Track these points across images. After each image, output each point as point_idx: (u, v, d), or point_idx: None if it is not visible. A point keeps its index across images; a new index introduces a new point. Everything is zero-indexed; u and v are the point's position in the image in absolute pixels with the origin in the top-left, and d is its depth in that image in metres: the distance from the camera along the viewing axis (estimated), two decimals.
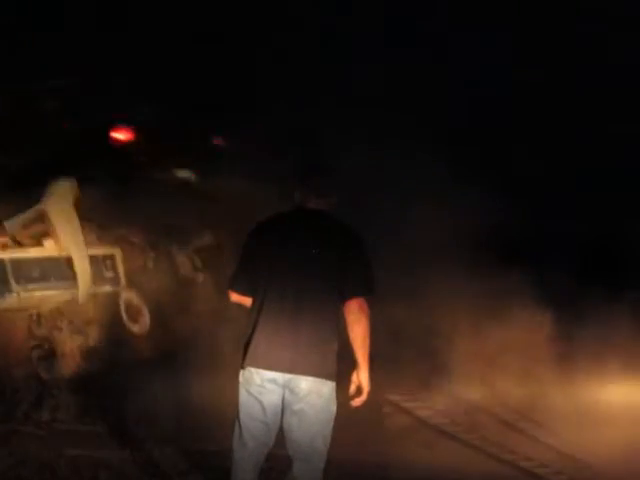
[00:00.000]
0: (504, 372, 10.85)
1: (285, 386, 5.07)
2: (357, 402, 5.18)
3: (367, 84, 13.11)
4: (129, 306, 10.88)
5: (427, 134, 12.03)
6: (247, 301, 5.16)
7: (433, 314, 10.93)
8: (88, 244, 10.62)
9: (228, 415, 5.84)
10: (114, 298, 10.70)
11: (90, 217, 10.87)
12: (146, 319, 10.90)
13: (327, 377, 5.10)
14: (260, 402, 5.15)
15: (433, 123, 12.57)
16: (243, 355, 5.14)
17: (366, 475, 8.74)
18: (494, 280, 11.08)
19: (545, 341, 11.28)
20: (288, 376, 5.04)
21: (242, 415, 5.25)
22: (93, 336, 10.69)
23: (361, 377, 5.12)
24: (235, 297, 5.21)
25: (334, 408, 5.20)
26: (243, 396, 5.22)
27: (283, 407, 5.13)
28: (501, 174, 13.15)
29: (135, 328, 10.84)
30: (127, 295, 10.90)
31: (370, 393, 5.17)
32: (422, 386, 10.66)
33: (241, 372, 5.18)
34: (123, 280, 10.85)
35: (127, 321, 10.79)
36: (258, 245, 5.12)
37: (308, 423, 5.11)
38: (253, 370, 5.10)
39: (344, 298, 4.98)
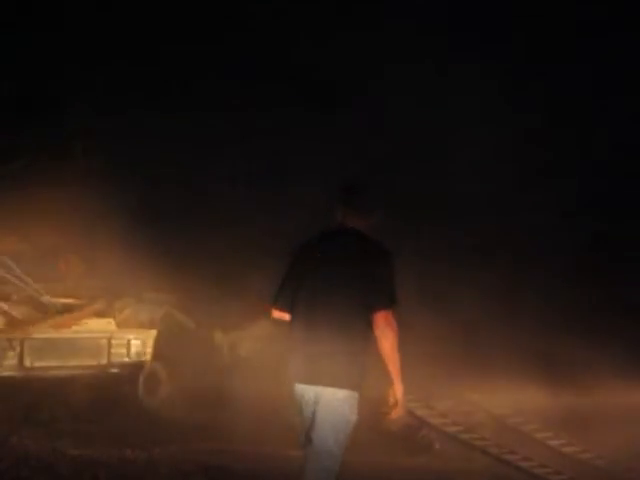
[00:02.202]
0: None
1: (312, 396, 5.21)
2: (393, 414, 5.25)
3: None
4: None
5: None
6: (287, 317, 5.34)
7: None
8: None
9: None
10: None
11: None
12: None
13: (350, 388, 5.16)
14: (300, 411, 5.31)
15: None
16: (288, 370, 5.36)
17: (366, 475, 8.74)
18: None
19: None
20: (314, 387, 5.17)
21: (296, 419, 5.38)
22: None
23: (395, 389, 5.19)
24: (276, 314, 5.38)
25: (354, 418, 5.24)
26: (293, 404, 5.36)
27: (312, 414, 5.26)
28: None
29: None
30: None
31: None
32: (422, 386, 10.66)
33: (287, 382, 5.37)
34: None
35: None
36: (297, 263, 5.31)
37: (322, 427, 5.20)
38: (291, 383, 5.31)
39: (371, 312, 5.07)
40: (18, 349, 11.40)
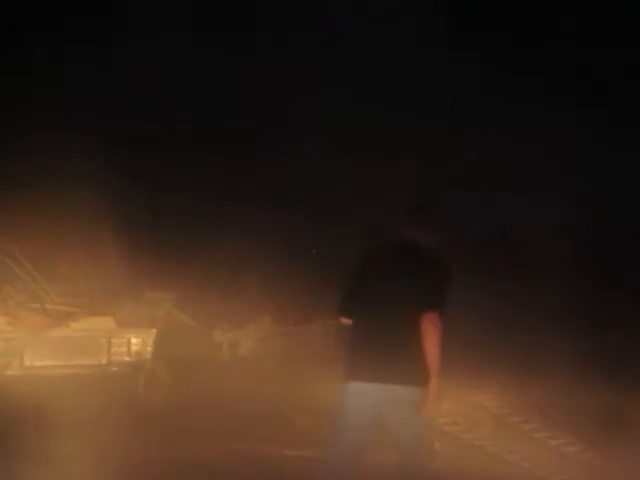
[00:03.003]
0: None
1: (380, 395, 5.54)
2: (428, 409, 5.61)
3: None
4: None
5: None
6: (350, 322, 5.78)
7: None
8: None
9: None
10: None
11: None
12: None
13: (416, 384, 5.53)
14: (358, 409, 5.62)
15: None
16: (345, 369, 5.71)
17: (366, 475, 8.73)
18: None
19: None
20: (383, 385, 5.52)
21: (343, 421, 5.69)
22: None
23: (431, 386, 5.56)
24: (345, 321, 5.82)
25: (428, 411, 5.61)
26: (344, 405, 5.68)
27: (380, 412, 5.60)
28: None
29: None
30: None
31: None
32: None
33: (344, 385, 5.69)
34: None
35: None
36: (364, 272, 5.74)
37: (403, 425, 5.59)
38: (353, 382, 5.63)
39: (419, 312, 5.52)
40: (18, 348, 11.42)
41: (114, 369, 12.06)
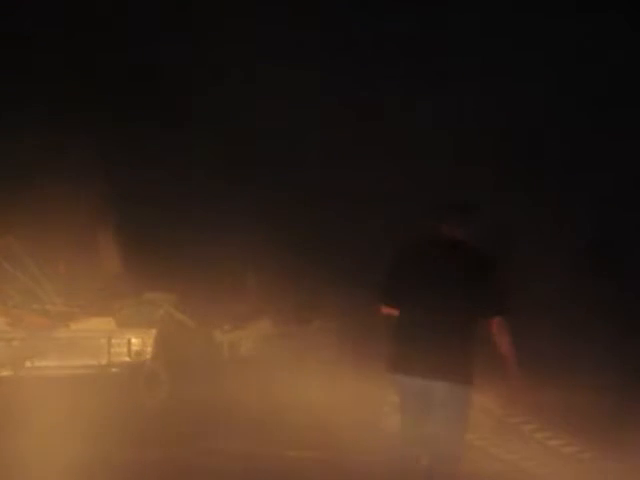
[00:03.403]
0: None
1: (424, 389, 5.76)
2: (507, 403, 6.35)
3: None
4: None
5: None
6: (395, 312, 5.90)
7: None
8: None
9: None
10: None
11: None
12: None
13: (461, 382, 5.81)
14: (408, 399, 5.92)
15: None
16: (390, 362, 5.91)
17: (366, 475, 8.73)
18: None
19: None
20: (426, 381, 5.74)
21: (402, 413, 6.04)
22: None
23: (512, 385, 5.91)
24: (386, 310, 5.96)
25: (468, 410, 5.94)
26: (400, 398, 6.01)
27: (424, 408, 5.83)
28: None
29: None
30: None
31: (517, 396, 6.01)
32: None
33: (394, 378, 5.95)
34: None
35: None
36: (405, 265, 5.89)
37: (443, 423, 5.79)
38: (399, 376, 5.87)
39: (485, 318, 5.76)
40: (18, 349, 11.42)
41: (114, 369, 12.05)
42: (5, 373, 11.34)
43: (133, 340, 12.25)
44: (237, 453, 9.28)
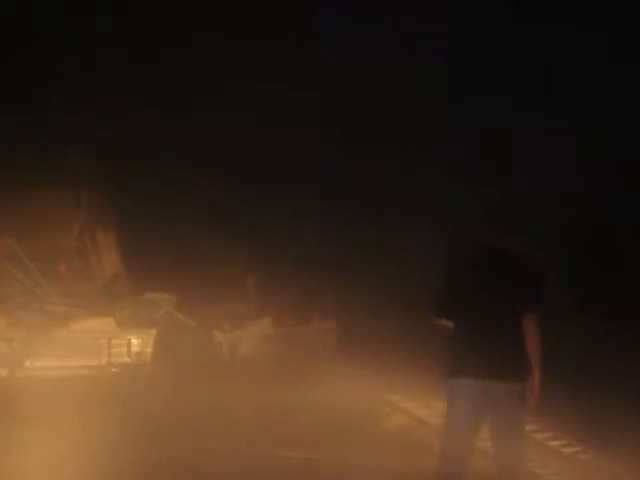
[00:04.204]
0: None
1: (483, 391, 6.09)
2: (530, 399, 6.17)
3: None
4: None
5: None
6: (449, 323, 6.26)
7: None
8: None
9: None
10: None
11: None
12: None
13: (520, 381, 6.14)
14: (465, 405, 6.18)
15: None
16: (451, 367, 6.25)
17: (366, 475, 8.74)
18: None
19: None
20: (486, 382, 6.08)
21: (453, 417, 6.30)
22: None
23: (535, 378, 6.16)
24: (440, 320, 6.31)
25: (524, 405, 6.18)
26: (452, 402, 6.29)
27: (485, 409, 6.14)
28: None
29: None
30: None
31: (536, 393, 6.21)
32: (422, 387, 10.67)
33: (451, 381, 6.27)
34: None
35: None
36: (458, 277, 6.24)
37: (505, 422, 6.13)
38: (462, 379, 6.17)
39: (522, 315, 6.13)
40: (18, 349, 11.41)
41: (114, 370, 12.04)
42: (4, 373, 11.33)
43: (133, 340, 12.24)
44: (237, 453, 9.28)
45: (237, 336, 13.05)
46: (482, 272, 6.18)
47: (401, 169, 14.37)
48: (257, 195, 14.83)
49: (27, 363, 11.40)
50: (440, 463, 6.43)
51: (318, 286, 14.20)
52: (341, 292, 14.03)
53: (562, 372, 10.70)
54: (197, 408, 10.98)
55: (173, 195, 14.52)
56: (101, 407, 10.53)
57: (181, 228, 14.12)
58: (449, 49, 14.28)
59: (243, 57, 14.60)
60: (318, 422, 10.53)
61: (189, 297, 13.16)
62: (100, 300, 12.65)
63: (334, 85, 14.67)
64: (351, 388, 11.16)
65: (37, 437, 8.99)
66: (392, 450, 9.65)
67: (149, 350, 12.32)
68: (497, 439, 6.21)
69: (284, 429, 10.38)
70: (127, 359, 12.16)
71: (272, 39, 14.55)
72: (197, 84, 14.75)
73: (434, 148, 14.29)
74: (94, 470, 8.04)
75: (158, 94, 14.43)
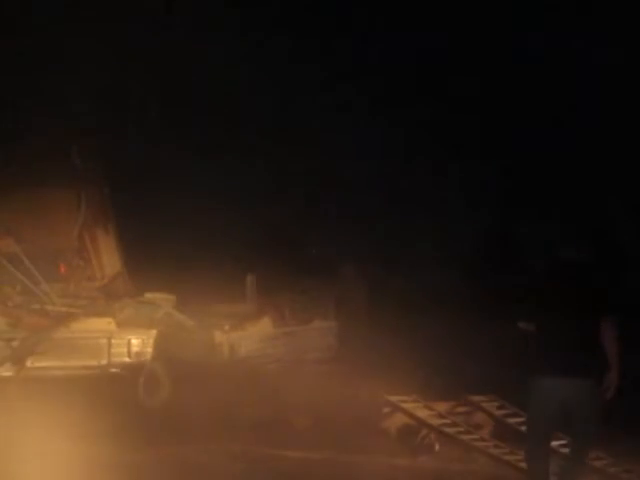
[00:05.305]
0: None
1: (566, 389, 6.68)
2: (607, 395, 6.69)
3: None
4: None
5: None
6: (531, 327, 6.90)
7: None
8: None
9: None
10: None
11: None
12: None
13: (594, 378, 6.67)
14: (547, 402, 6.73)
15: None
16: (536, 368, 6.81)
17: (366, 475, 8.75)
18: None
19: None
20: (568, 380, 6.65)
21: (534, 414, 6.85)
22: None
23: (611, 375, 6.68)
24: (523, 325, 6.95)
25: (599, 402, 6.76)
26: (536, 399, 6.81)
27: (564, 404, 6.71)
28: None
29: None
30: None
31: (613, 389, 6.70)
32: (422, 387, 10.67)
33: (535, 380, 6.79)
34: None
35: None
36: (539, 287, 6.95)
37: (582, 417, 6.71)
38: (543, 378, 6.74)
39: (600, 319, 6.79)
40: (18, 349, 11.42)
41: (114, 370, 12.05)
42: (5, 373, 11.34)
43: (133, 340, 12.25)
44: (237, 453, 9.29)
45: (237, 336, 13.04)
46: (562, 281, 6.89)
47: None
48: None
49: (27, 363, 11.41)
50: (527, 463, 7.01)
51: (318, 286, 14.22)
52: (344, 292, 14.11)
53: None
54: (197, 407, 10.98)
55: (173, 195, 14.54)
56: (101, 407, 10.53)
57: (182, 228, 14.13)
58: None
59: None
60: (318, 422, 10.53)
61: (189, 297, 13.17)
62: (100, 300, 12.65)
63: None
64: (351, 389, 11.15)
65: (37, 437, 9.00)
66: (392, 450, 9.65)
67: (149, 350, 12.32)
68: (572, 433, 6.88)
69: (284, 429, 10.38)
70: (127, 359, 12.17)
71: None
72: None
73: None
74: (94, 470, 8.04)
75: (157, 94, 14.44)
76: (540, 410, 6.81)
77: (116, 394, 11.40)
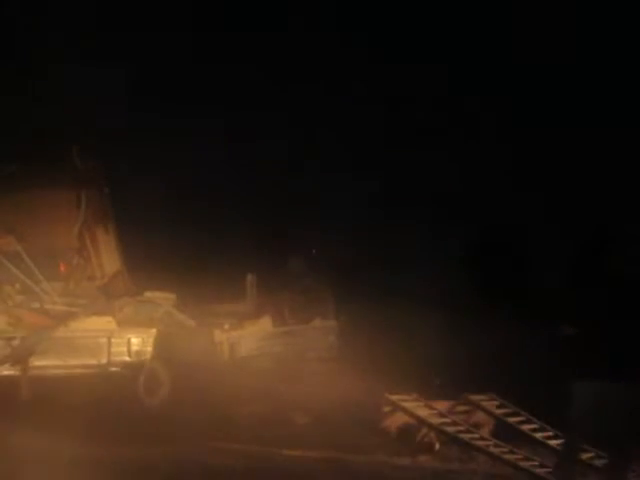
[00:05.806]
0: None
1: (608, 391, 6.78)
2: None
3: None
4: None
5: None
6: (571, 330, 7.06)
7: None
8: None
9: None
10: None
11: None
12: None
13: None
14: (589, 405, 6.84)
15: None
16: (577, 370, 6.95)
17: (366, 475, 8.76)
18: None
19: None
20: (611, 383, 6.76)
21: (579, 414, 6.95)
22: None
23: None
24: (567, 328, 7.09)
25: None
26: (577, 402, 6.91)
27: (607, 408, 6.83)
28: None
29: None
30: None
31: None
32: (422, 387, 10.68)
33: (577, 383, 6.93)
34: None
35: None
36: (584, 292, 7.11)
37: (622, 420, 6.80)
38: (585, 381, 6.85)
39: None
40: (18, 348, 11.43)
41: (114, 369, 12.06)
42: (5, 373, 11.34)
43: (133, 340, 12.26)
44: (237, 453, 9.29)
45: (237, 336, 13.05)
46: (604, 285, 7.07)
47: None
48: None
49: (27, 363, 11.40)
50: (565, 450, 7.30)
51: (318, 286, 14.22)
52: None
53: None
54: (197, 407, 10.99)
55: (174, 195, 14.55)
56: (101, 407, 10.54)
57: (182, 228, 14.14)
58: None
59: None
60: (318, 422, 10.53)
61: (189, 296, 13.18)
62: (100, 299, 12.65)
63: None
64: (351, 388, 11.15)
65: (37, 436, 9.00)
66: (392, 449, 9.66)
67: (149, 349, 12.34)
68: (613, 435, 6.92)
69: (284, 428, 10.39)
70: (127, 358, 12.18)
71: None
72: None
73: None
74: (94, 470, 8.04)
75: (159, 94, 14.44)
76: (584, 413, 6.87)
77: (116, 393, 11.41)
